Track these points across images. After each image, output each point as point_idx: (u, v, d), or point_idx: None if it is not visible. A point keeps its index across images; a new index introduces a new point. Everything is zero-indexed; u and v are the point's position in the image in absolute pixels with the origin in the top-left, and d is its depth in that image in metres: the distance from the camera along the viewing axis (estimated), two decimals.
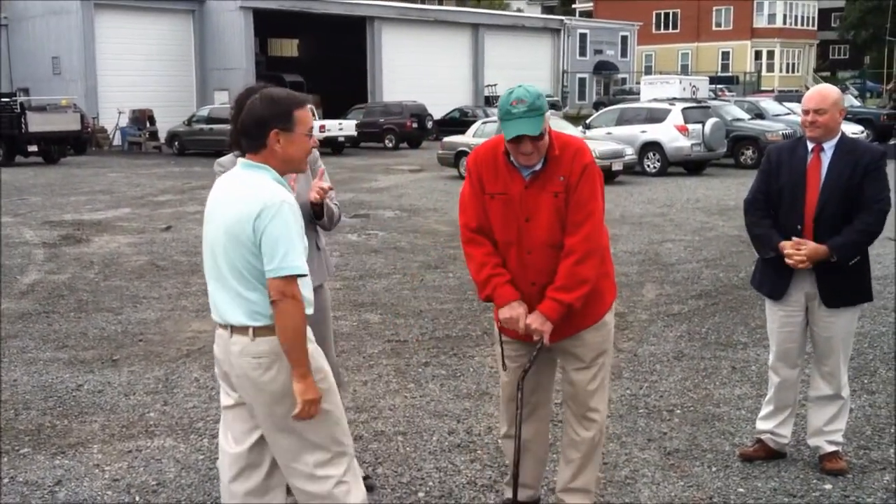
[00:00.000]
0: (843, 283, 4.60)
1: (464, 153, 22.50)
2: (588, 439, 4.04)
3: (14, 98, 29.95)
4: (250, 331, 3.28)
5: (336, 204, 4.52)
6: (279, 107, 3.34)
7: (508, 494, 4.25)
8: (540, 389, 4.16)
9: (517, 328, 3.88)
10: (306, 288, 3.33)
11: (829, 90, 4.66)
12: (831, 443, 4.79)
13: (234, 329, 3.32)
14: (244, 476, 3.52)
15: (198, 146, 31.78)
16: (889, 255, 10.38)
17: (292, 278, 3.21)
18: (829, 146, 4.62)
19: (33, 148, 28.23)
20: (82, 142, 30.92)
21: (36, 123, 28.35)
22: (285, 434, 3.36)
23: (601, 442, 4.13)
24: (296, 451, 3.38)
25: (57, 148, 29.05)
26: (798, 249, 4.54)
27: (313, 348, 3.36)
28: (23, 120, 28.12)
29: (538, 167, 3.81)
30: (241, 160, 3.40)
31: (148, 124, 35.77)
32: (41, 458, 5.09)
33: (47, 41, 39.65)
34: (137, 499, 4.57)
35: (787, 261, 4.58)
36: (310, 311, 3.36)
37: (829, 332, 4.68)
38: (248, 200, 3.25)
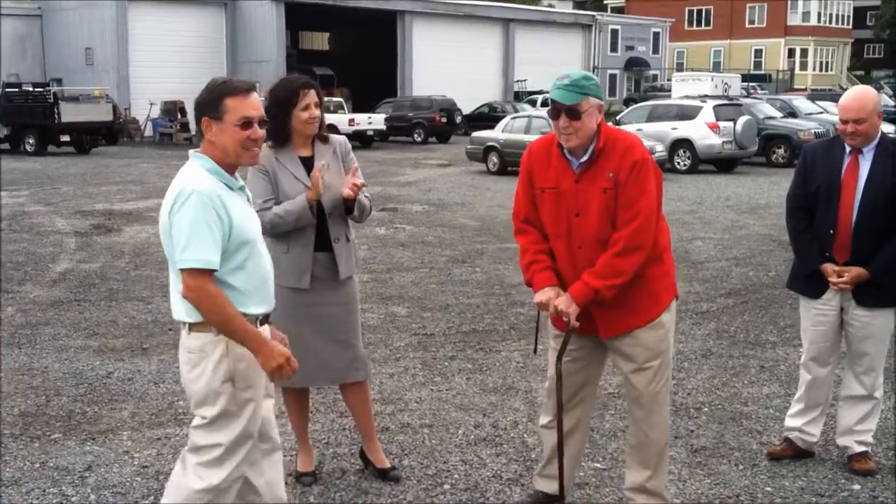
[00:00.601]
0: (879, 285, 4.54)
1: (492, 148, 22.50)
2: (655, 441, 4.02)
3: (47, 88, 30.31)
4: (187, 325, 3.25)
5: (368, 196, 4.54)
6: (209, 94, 3.25)
7: (540, 486, 4.29)
8: (588, 384, 4.16)
9: (549, 311, 3.92)
10: (247, 282, 3.24)
11: (866, 97, 4.53)
12: (861, 443, 4.75)
13: (181, 324, 3.29)
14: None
15: None
16: None
17: (197, 272, 3.10)
18: (868, 149, 4.55)
19: (65, 138, 28.56)
20: (114, 132, 31.18)
21: (68, 114, 28.66)
22: (198, 436, 3.31)
23: (668, 444, 4.11)
24: (207, 459, 3.30)
25: (89, 138, 29.35)
26: (841, 276, 4.53)
27: (243, 352, 3.23)
28: (56, 110, 28.43)
29: (585, 158, 3.81)
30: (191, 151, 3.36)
31: (179, 116, 36.00)
32: (72, 443, 5.15)
33: (80, 32, 40.03)
34: (166, 486, 4.60)
35: (831, 284, 4.58)
36: (261, 309, 3.30)
37: (863, 332, 4.63)
38: (170, 192, 3.20)
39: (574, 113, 3.72)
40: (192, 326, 3.23)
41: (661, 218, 3.95)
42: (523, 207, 4.00)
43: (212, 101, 3.23)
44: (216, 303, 3.12)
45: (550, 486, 4.23)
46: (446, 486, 4.59)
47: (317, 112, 4.33)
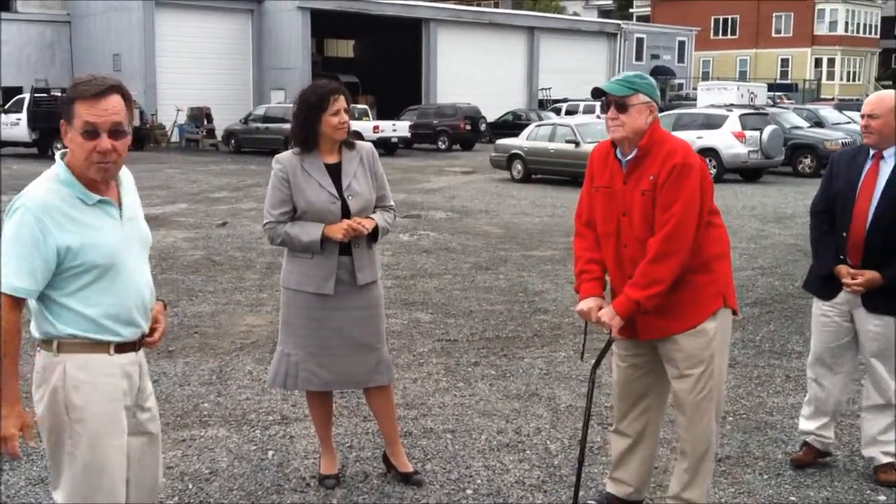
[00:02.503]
0: (889, 291, 4.49)
1: (516, 156, 22.50)
2: (694, 450, 4.00)
3: None
4: (36, 343, 2.99)
5: (391, 206, 4.58)
6: (65, 96, 2.90)
7: (609, 489, 4.34)
8: (652, 393, 4.17)
9: (590, 321, 3.97)
10: (93, 307, 2.91)
11: (887, 95, 4.60)
12: (886, 453, 4.71)
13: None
14: None
15: (254, 144, 32.16)
16: None
17: None
18: (889, 154, 4.53)
19: None
20: (141, 138, 31.46)
21: None
22: (50, 462, 3.03)
23: (709, 455, 4.06)
24: (54, 480, 3.04)
25: None
26: (854, 278, 4.53)
27: (82, 379, 2.92)
28: None
29: (630, 156, 3.88)
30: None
31: (205, 122, 36.26)
32: None
33: (108, 38, 40.46)
34: (191, 486, 4.64)
35: (844, 285, 4.59)
36: (109, 337, 2.94)
37: (873, 338, 4.60)
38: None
39: (622, 106, 3.82)
40: (39, 344, 2.98)
41: (715, 226, 3.95)
42: (585, 209, 4.10)
43: (65, 103, 2.89)
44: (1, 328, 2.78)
45: (621, 489, 4.28)
46: (469, 492, 4.59)
47: (346, 117, 4.36)
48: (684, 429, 4.03)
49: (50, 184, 2.89)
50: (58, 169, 2.93)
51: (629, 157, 3.88)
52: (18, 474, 4.76)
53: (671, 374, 4.01)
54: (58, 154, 2.98)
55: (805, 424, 4.92)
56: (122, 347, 3.01)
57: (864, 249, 4.53)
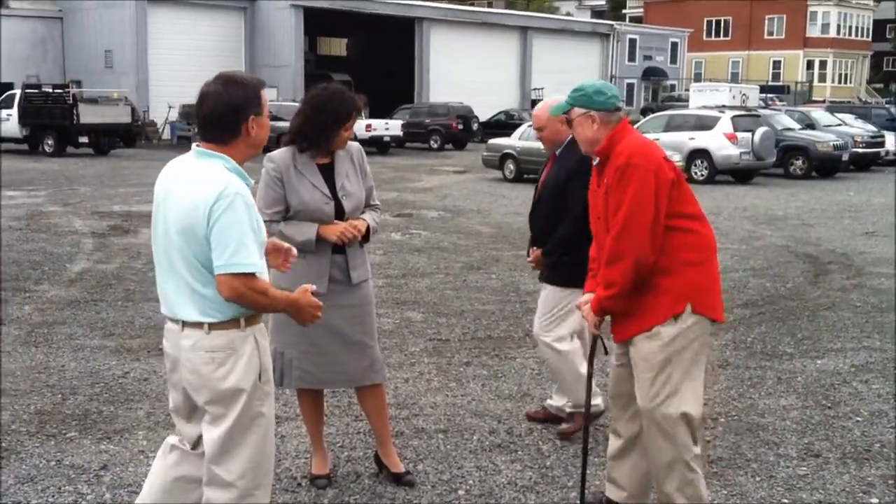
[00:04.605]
0: (548, 263, 5.17)
1: (509, 156, 22.49)
2: (652, 461, 3.91)
3: (67, 90, 30.49)
4: (205, 326, 3.15)
5: (377, 205, 4.58)
6: (250, 89, 3.20)
7: (607, 492, 4.29)
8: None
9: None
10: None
11: (539, 111, 5.18)
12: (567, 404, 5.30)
13: (186, 324, 3.18)
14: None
15: None
16: None
17: (244, 276, 3.06)
18: (559, 151, 5.17)
19: (84, 139, 28.75)
20: (132, 135, 31.39)
21: (87, 115, 28.87)
22: (219, 432, 3.20)
23: (668, 477, 3.86)
24: (223, 453, 3.20)
25: (107, 140, 29.54)
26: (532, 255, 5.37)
27: (265, 345, 3.28)
28: (75, 111, 28.66)
29: (595, 162, 3.99)
30: (195, 147, 3.23)
31: None
32: (87, 442, 5.16)
33: (100, 34, 40.29)
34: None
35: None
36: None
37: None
38: (202, 190, 3.07)
39: (568, 122, 4.03)
40: (213, 326, 3.15)
41: (691, 232, 3.80)
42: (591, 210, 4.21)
43: (254, 96, 3.20)
44: (266, 298, 3.15)
45: (615, 493, 4.20)
46: (461, 492, 4.58)
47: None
48: (643, 435, 3.92)
49: (230, 174, 3.13)
50: (223, 162, 3.16)
51: (595, 164, 3.99)
52: (7, 473, 4.72)
53: (635, 374, 3.93)
54: (201, 149, 3.20)
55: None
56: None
57: (531, 232, 5.37)
